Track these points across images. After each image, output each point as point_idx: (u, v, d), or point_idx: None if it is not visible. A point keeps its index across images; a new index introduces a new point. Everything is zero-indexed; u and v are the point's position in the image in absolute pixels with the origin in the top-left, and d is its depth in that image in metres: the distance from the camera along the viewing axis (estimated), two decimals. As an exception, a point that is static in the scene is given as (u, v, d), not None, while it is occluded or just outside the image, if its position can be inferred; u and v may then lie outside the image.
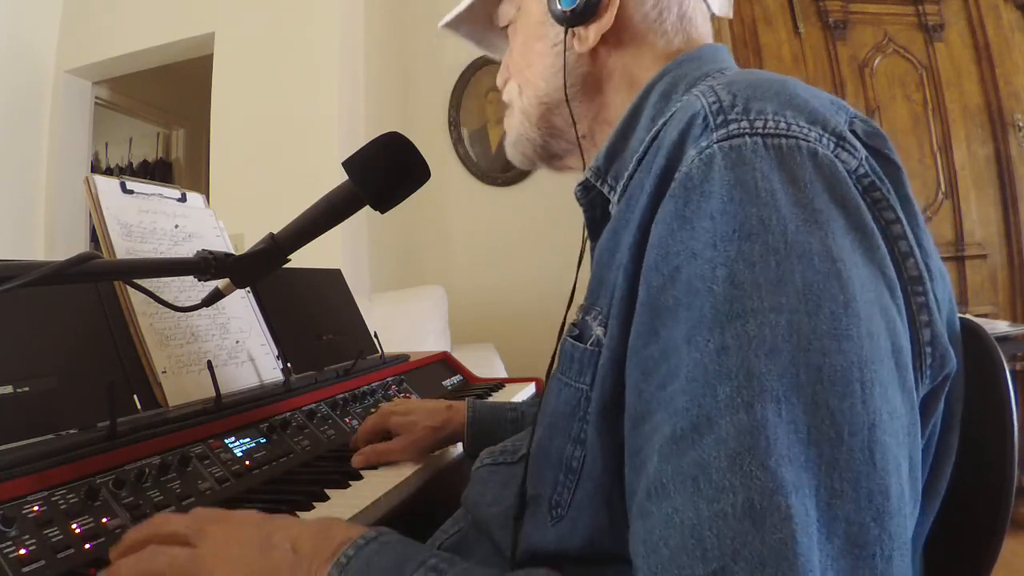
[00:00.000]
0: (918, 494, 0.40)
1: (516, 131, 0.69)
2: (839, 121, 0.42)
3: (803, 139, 0.40)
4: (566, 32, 0.61)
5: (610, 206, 0.55)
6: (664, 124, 0.49)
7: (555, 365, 0.56)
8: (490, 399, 1.31)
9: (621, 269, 0.46)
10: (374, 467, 0.85)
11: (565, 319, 0.58)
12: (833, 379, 0.35)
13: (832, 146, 0.41)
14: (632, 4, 0.60)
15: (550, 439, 0.53)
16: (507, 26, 0.69)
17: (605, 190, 0.56)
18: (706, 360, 0.36)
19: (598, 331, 0.49)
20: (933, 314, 0.42)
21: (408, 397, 1.22)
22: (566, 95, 0.63)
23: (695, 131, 0.42)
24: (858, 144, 0.42)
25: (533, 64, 0.65)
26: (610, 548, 0.46)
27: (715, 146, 0.40)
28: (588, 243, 0.62)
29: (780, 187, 0.38)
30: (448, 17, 0.73)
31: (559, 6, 0.60)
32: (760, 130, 0.40)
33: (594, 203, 0.58)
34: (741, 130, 0.40)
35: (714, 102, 0.43)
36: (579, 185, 0.58)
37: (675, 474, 0.35)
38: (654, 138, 0.49)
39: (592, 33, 0.60)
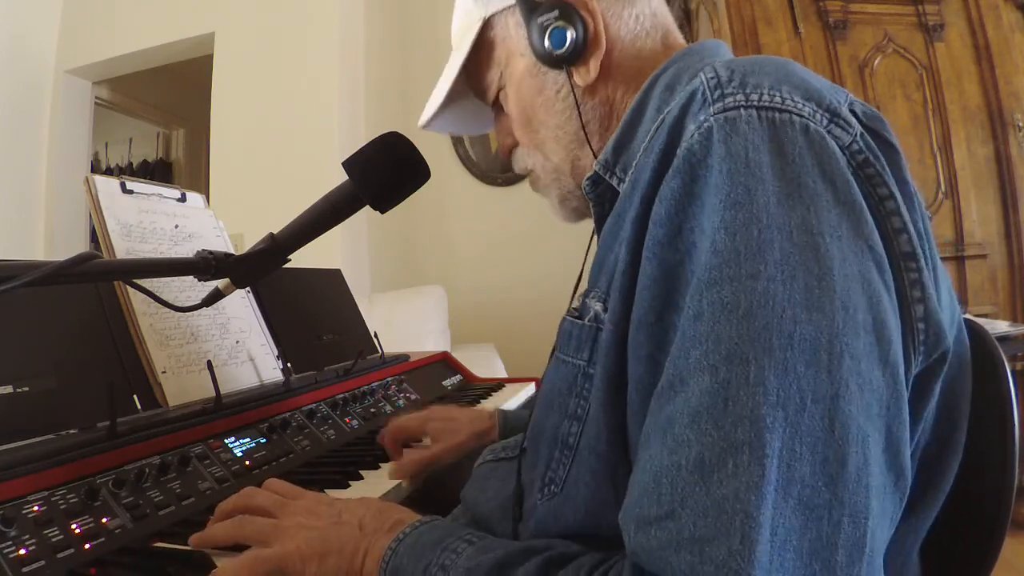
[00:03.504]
0: (902, 469, 0.39)
1: (557, 192, 0.66)
2: (836, 100, 0.43)
3: (796, 114, 0.41)
4: (568, 73, 0.59)
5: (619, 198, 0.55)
6: (669, 111, 0.48)
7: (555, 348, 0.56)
8: (490, 399, 1.31)
9: (624, 243, 0.46)
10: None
11: None
12: (802, 347, 0.36)
13: (825, 122, 0.41)
14: (612, 21, 0.60)
15: (546, 417, 0.53)
16: (497, 95, 0.66)
17: (614, 183, 0.56)
18: (685, 325, 0.39)
19: (596, 307, 0.50)
20: (927, 290, 0.42)
21: (410, 397, 1.22)
22: (586, 134, 0.60)
23: (694, 107, 0.43)
24: (854, 121, 0.42)
25: (545, 120, 0.62)
26: (612, 523, 0.46)
27: (712, 119, 0.41)
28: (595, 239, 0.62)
29: (768, 159, 0.39)
30: (429, 112, 0.69)
31: (552, 52, 0.58)
32: (755, 103, 0.41)
33: (603, 197, 0.58)
34: (736, 103, 0.41)
35: (712, 78, 0.43)
36: (587, 179, 0.58)
37: (653, 426, 0.39)
38: (659, 125, 0.49)
39: (592, 64, 0.59)
